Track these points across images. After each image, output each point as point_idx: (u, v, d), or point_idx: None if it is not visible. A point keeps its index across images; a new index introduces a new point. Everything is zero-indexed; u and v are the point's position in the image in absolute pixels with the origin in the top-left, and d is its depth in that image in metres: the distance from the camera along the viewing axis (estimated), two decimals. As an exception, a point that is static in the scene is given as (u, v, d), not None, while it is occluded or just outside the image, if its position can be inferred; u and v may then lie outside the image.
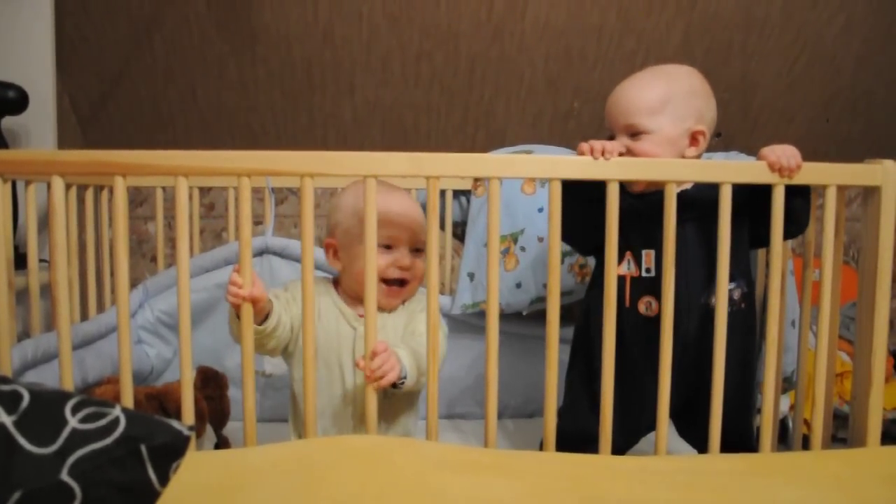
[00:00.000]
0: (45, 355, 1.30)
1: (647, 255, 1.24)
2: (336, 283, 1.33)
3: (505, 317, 1.59)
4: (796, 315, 1.51)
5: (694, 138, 1.24)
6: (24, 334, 1.47)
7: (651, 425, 1.20)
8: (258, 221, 2.16)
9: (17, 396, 0.62)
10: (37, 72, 1.85)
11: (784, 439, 1.65)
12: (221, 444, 1.44)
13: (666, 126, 1.22)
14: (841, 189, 1.21)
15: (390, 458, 1.00)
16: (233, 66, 2.17)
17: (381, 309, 1.25)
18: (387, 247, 1.25)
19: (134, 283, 1.65)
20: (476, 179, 1.81)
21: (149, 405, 1.32)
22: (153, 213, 1.95)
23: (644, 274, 1.24)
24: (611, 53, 2.19)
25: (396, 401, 1.26)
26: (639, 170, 1.16)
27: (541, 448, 1.22)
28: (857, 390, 1.22)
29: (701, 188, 1.23)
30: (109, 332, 1.53)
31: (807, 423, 1.35)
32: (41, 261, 1.54)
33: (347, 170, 1.12)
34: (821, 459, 1.12)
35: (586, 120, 2.34)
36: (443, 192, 1.88)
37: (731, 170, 1.16)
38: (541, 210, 1.69)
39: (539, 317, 1.45)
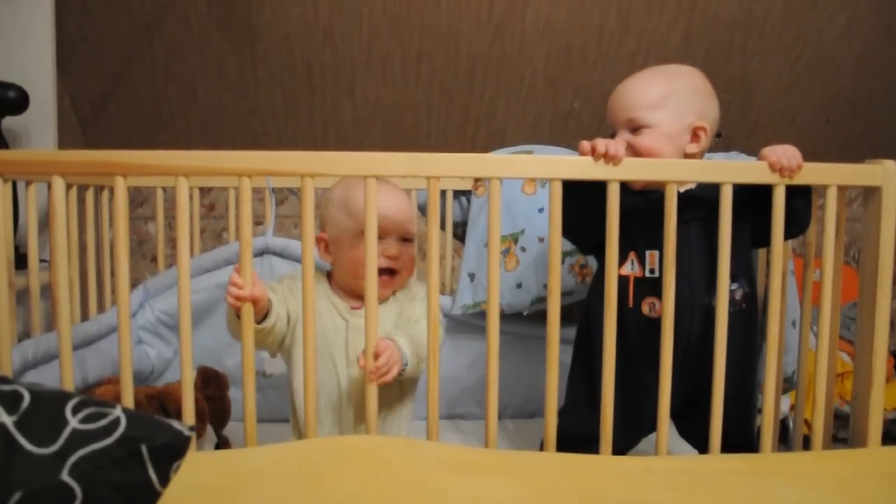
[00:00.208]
0: (46, 355, 1.30)
1: (651, 256, 1.23)
2: (329, 276, 1.34)
3: (505, 317, 1.59)
4: (797, 315, 1.51)
5: (695, 134, 1.24)
6: (24, 334, 1.47)
7: (652, 426, 1.20)
8: (258, 222, 2.16)
9: (17, 397, 0.62)
10: (37, 72, 1.85)
11: (785, 439, 1.65)
12: (222, 444, 1.44)
13: (666, 121, 1.22)
14: (841, 189, 1.21)
15: (390, 458, 1.00)
16: (233, 67, 2.18)
17: None
18: None
19: (134, 284, 1.65)
20: (476, 180, 1.81)
21: (149, 405, 1.32)
22: (153, 214, 1.95)
23: (648, 274, 1.24)
24: (611, 53, 2.19)
25: (391, 389, 1.26)
26: (640, 170, 1.16)
27: (541, 448, 1.22)
28: (858, 390, 1.22)
29: (705, 187, 1.23)
30: (110, 332, 1.53)
31: (807, 424, 1.34)
32: (42, 261, 1.54)
33: (348, 170, 1.12)
34: (821, 460, 1.12)
35: (586, 120, 2.34)
36: (443, 193, 1.87)
37: (732, 170, 1.16)
38: (541, 210, 1.69)
39: (540, 317, 1.45)
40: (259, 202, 2.10)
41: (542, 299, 1.65)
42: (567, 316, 1.41)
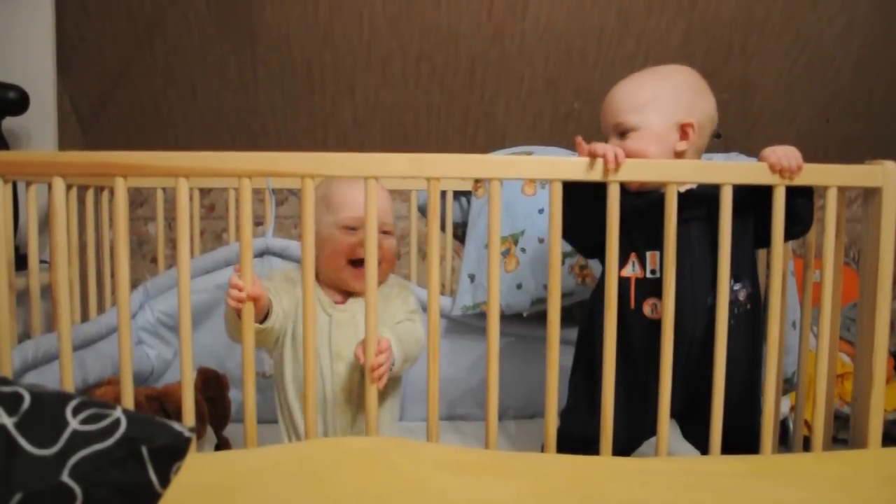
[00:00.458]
0: (46, 356, 1.30)
1: (652, 257, 1.23)
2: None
3: (505, 318, 1.59)
4: (797, 316, 1.51)
5: (683, 132, 1.23)
6: (24, 335, 1.47)
7: (655, 427, 1.19)
8: (259, 222, 2.16)
9: (17, 398, 0.62)
10: (37, 73, 1.85)
11: (785, 441, 1.65)
12: (222, 445, 1.44)
13: (652, 121, 1.22)
14: (841, 190, 1.21)
15: (390, 459, 1.00)
16: (233, 67, 2.18)
17: (353, 293, 1.31)
18: (351, 228, 1.29)
19: (134, 284, 1.65)
20: (476, 180, 1.81)
21: (149, 406, 1.32)
22: (154, 214, 1.95)
23: (649, 275, 1.23)
24: (611, 54, 2.19)
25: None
26: (640, 171, 1.16)
27: (542, 450, 1.22)
28: (858, 391, 1.22)
29: (705, 186, 1.22)
30: (110, 333, 1.53)
31: (808, 425, 1.34)
32: (42, 262, 1.54)
33: (348, 171, 1.12)
34: (822, 461, 1.12)
35: (586, 121, 2.34)
36: (443, 194, 1.87)
37: (732, 171, 1.16)
38: (541, 211, 1.69)
39: (540, 318, 1.45)
40: (259, 203, 2.10)
41: (542, 300, 1.65)
42: (567, 317, 1.41)
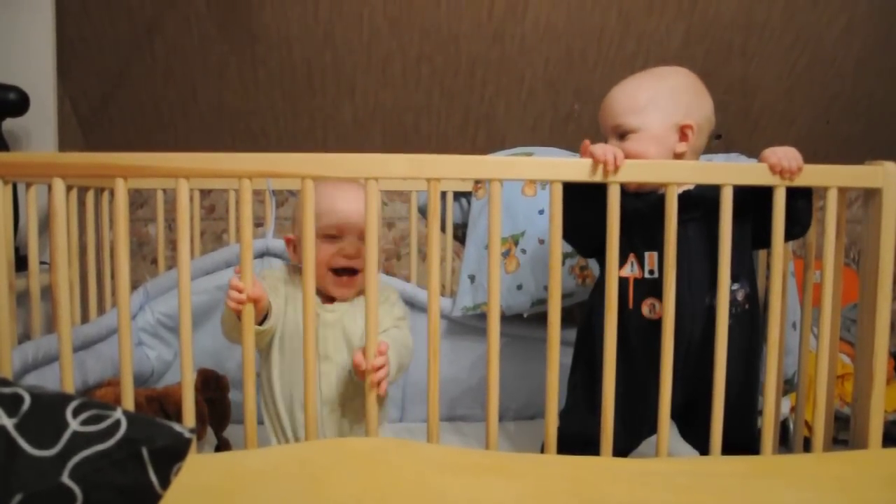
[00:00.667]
0: (46, 357, 1.30)
1: (650, 257, 1.23)
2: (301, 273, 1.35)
3: (506, 319, 1.59)
4: (797, 317, 1.51)
5: (683, 133, 1.23)
6: (24, 336, 1.47)
7: (654, 428, 1.19)
8: (259, 223, 2.16)
9: (18, 399, 0.62)
10: (37, 74, 1.85)
11: (785, 441, 1.65)
12: (222, 446, 1.44)
13: (651, 123, 1.22)
14: (842, 191, 1.21)
15: (391, 460, 1.00)
16: (233, 68, 2.18)
17: (336, 299, 1.30)
18: (332, 237, 1.28)
19: (134, 286, 1.65)
20: (477, 181, 1.81)
21: (149, 407, 1.32)
22: (154, 216, 1.95)
23: (647, 276, 1.24)
24: (611, 55, 2.19)
25: (360, 396, 1.26)
26: (640, 172, 1.16)
27: (542, 450, 1.22)
28: (859, 392, 1.22)
29: (702, 187, 1.23)
30: (110, 334, 1.53)
31: (808, 425, 1.34)
32: (42, 263, 1.54)
33: (348, 172, 1.12)
34: (822, 461, 1.12)
35: (586, 122, 2.34)
36: (443, 194, 1.88)
37: (732, 172, 1.16)
38: (541, 212, 1.69)
39: (540, 319, 1.45)
40: (259, 204, 2.10)
41: (542, 301, 1.65)
42: (567, 317, 1.41)
